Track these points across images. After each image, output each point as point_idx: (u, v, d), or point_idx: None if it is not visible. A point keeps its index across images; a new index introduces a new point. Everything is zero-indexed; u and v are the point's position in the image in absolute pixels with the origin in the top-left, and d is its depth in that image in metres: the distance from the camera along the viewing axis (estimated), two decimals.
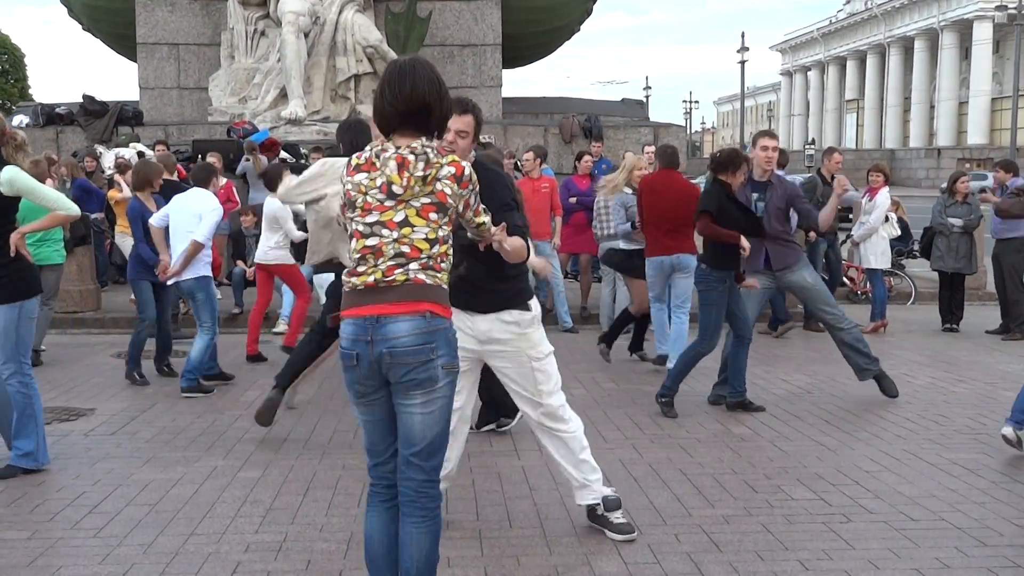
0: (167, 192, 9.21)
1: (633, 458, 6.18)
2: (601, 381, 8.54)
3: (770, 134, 7.89)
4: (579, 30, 22.74)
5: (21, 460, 5.79)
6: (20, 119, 17.88)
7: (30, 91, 51.46)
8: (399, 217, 3.43)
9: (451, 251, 3.55)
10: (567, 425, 4.82)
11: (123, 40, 20.45)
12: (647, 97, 76.31)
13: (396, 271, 3.42)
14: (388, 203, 3.44)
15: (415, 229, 3.43)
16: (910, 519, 5.04)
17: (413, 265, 3.43)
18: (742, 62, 62.26)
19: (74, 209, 5.84)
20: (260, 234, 12.03)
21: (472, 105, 4.35)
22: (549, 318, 11.32)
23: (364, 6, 18.14)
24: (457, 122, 4.17)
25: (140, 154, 15.22)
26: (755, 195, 7.59)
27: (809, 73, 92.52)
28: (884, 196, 11.19)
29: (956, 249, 11.38)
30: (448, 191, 3.46)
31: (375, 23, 18.17)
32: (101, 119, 17.16)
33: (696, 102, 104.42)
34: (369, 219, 3.46)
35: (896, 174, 52.88)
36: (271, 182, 9.03)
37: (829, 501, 5.32)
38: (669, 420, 7.16)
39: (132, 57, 19.93)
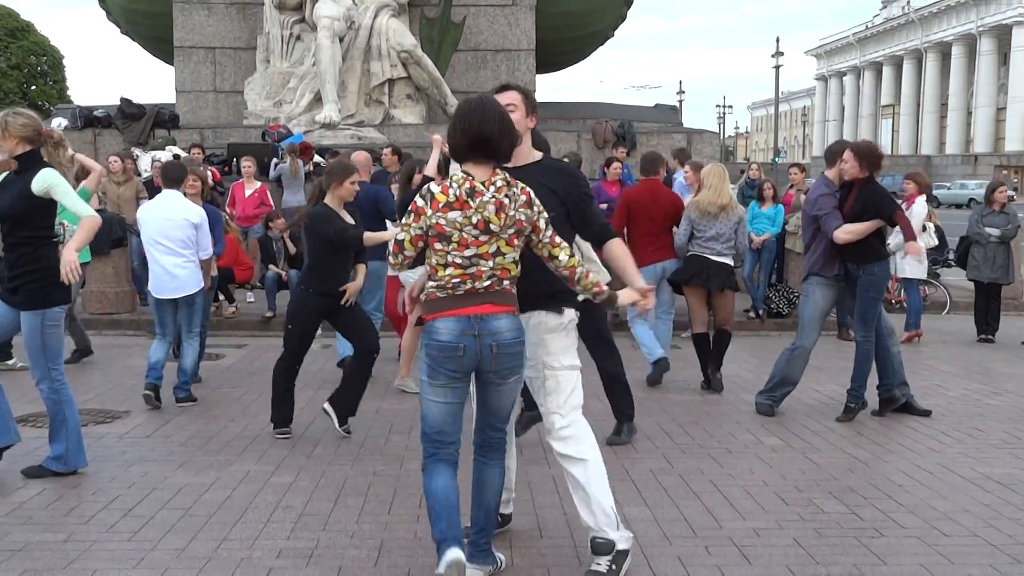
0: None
1: (664, 468, 6.17)
2: (632, 390, 8.50)
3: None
4: (613, 35, 22.75)
5: (51, 463, 5.87)
6: (59, 121, 18.10)
7: (68, 92, 52.04)
8: (492, 249, 4.00)
9: None
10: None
11: (160, 43, 20.66)
12: (680, 101, 76.14)
13: (495, 287, 4.04)
14: (483, 238, 3.98)
15: (505, 256, 4.03)
16: (943, 535, 5.01)
17: (506, 283, 4.07)
18: (777, 67, 61.99)
19: (97, 216, 5.80)
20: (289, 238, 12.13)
21: (510, 84, 4.65)
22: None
23: (399, 11, 18.24)
24: (502, 98, 4.40)
25: (176, 157, 15.39)
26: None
27: (844, 78, 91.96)
28: (920, 206, 11.11)
29: (993, 259, 11.28)
30: (523, 218, 4.03)
31: (409, 28, 18.26)
32: (138, 122, 17.36)
33: (730, 107, 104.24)
34: (467, 253, 3.99)
35: (932, 180, 52.41)
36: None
37: (861, 515, 5.29)
38: (700, 430, 7.14)
39: (169, 60, 20.13)
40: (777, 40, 64.59)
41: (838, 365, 9.55)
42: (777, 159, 66.39)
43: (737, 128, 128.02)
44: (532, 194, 4.09)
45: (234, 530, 5.00)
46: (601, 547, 4.36)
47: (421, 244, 4.05)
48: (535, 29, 19.33)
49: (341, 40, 17.38)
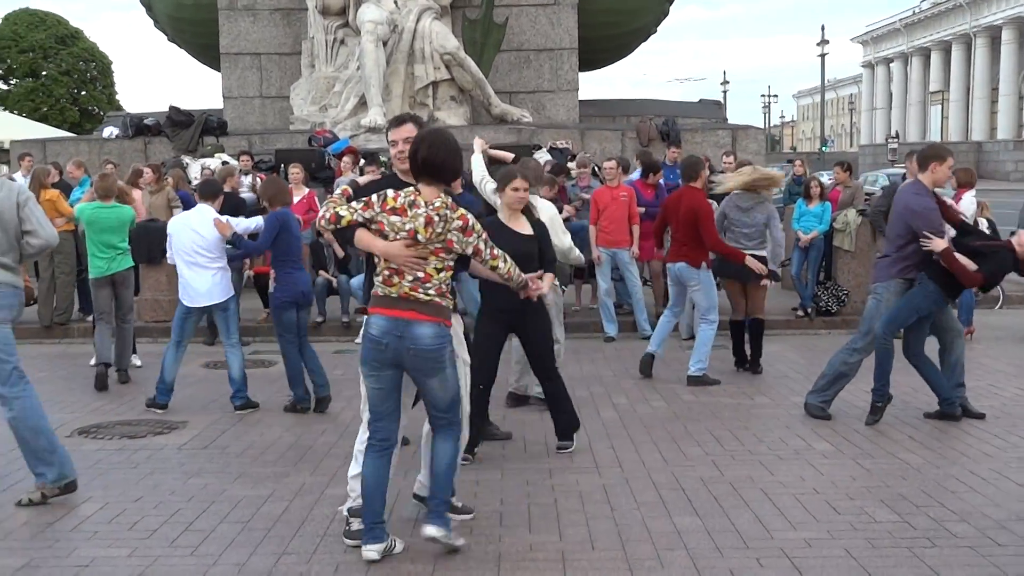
0: (229, 205, 9.46)
1: (714, 476, 6.19)
2: (681, 393, 8.55)
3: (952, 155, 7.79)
4: (656, 31, 22.67)
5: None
6: (110, 131, 18.43)
7: (117, 98, 52.72)
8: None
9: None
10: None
11: (207, 50, 20.94)
12: (724, 92, 75.62)
13: (418, 290, 4.72)
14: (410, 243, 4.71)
15: (428, 261, 4.72)
16: (997, 544, 4.99)
17: (431, 289, 4.74)
18: (822, 55, 61.40)
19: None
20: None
21: (411, 116, 5.42)
22: (626, 325, 11.36)
23: (441, 13, 18.33)
24: (399, 133, 5.22)
25: (224, 164, 15.59)
26: None
27: (892, 65, 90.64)
28: (968, 200, 11.00)
29: None
30: (454, 239, 4.75)
31: (452, 30, 18.33)
32: (187, 130, 17.59)
33: (775, 96, 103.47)
34: None
35: (983, 167, 51.64)
36: None
37: (913, 524, 5.28)
38: (750, 435, 7.15)
39: (215, 67, 20.39)
40: (822, 27, 64.22)
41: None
42: (824, 148, 65.77)
43: (783, 117, 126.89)
44: (471, 221, 4.80)
45: (292, 544, 5.10)
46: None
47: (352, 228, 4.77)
48: (577, 27, 19.33)
49: (385, 44, 17.49)
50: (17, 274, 5.91)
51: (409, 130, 5.17)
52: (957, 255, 7.14)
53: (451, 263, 4.82)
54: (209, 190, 8.51)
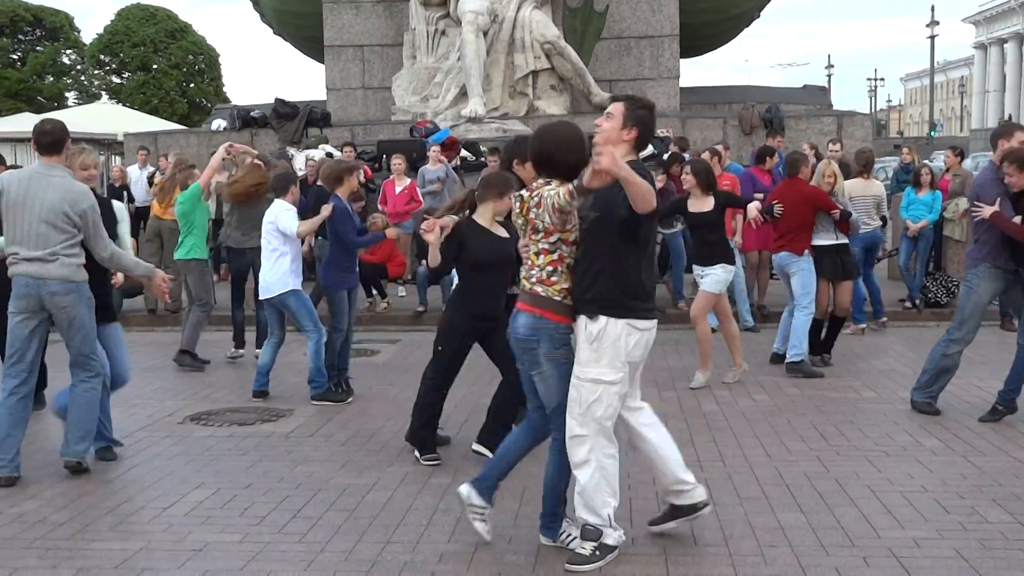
0: (315, 197, 9.60)
1: (819, 472, 6.11)
2: (784, 387, 8.44)
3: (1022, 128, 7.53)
4: (759, 16, 22.32)
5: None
6: (218, 123, 18.90)
7: (224, 90, 54.02)
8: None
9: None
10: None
11: (311, 43, 21.31)
12: (829, 76, 74.11)
13: (526, 280, 4.78)
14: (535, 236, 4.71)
15: (528, 246, 4.78)
16: None
17: (533, 277, 4.75)
18: (931, 36, 59.67)
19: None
20: None
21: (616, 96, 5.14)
22: None
23: (541, 2, 18.29)
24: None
25: (329, 155, 15.86)
26: None
27: (1006, 46, 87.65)
28: None
29: None
30: (534, 215, 4.65)
31: (552, 19, 18.30)
32: (291, 121, 17.91)
33: (881, 79, 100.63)
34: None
35: None
36: None
37: None
38: (856, 430, 7.03)
39: (319, 59, 20.73)
40: (932, 7, 61.91)
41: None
42: (932, 133, 63.91)
43: (889, 101, 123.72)
44: (543, 196, 4.59)
45: (397, 532, 5.20)
46: (588, 533, 4.74)
47: None
48: (679, 13, 19.13)
49: (485, 34, 17.56)
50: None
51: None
52: (1005, 216, 6.99)
53: (546, 246, 4.67)
54: (280, 184, 8.53)
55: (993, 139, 7.52)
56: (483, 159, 14.69)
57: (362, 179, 14.46)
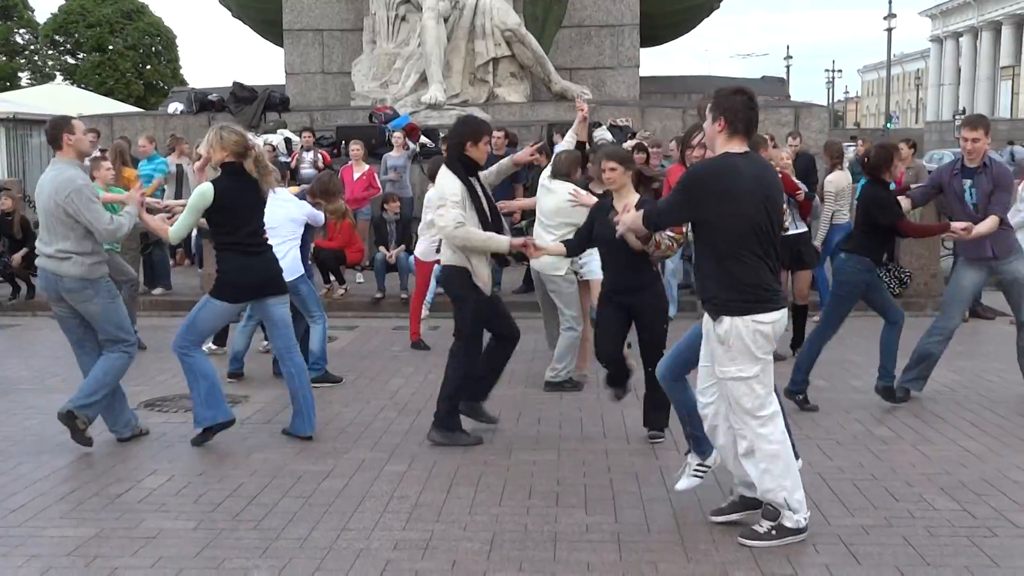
0: None
1: None
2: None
3: (970, 125, 7.56)
4: (719, 6, 22.43)
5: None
6: (175, 106, 18.70)
7: (181, 72, 53.37)
8: None
9: None
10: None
11: (270, 26, 21.15)
12: (788, 67, 74.66)
13: None
14: None
15: None
16: None
17: None
18: (889, 29, 60.27)
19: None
20: (400, 221, 12.40)
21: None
22: (686, 305, 11.33)
23: None
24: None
25: (287, 140, 15.78)
26: (967, 181, 7.45)
27: (961, 39, 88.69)
28: None
29: None
30: None
31: (513, 6, 18.29)
32: (250, 105, 17.77)
33: (839, 71, 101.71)
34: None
35: None
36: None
37: (974, 513, 5.23)
38: (809, 419, 7.11)
39: (278, 43, 20.58)
40: (889, 1, 62.51)
41: (953, 349, 9.33)
42: (888, 125, 64.60)
43: (847, 93, 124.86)
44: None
45: (352, 520, 5.20)
46: (769, 512, 4.84)
47: None
48: (639, 2, 19.18)
49: (446, 20, 17.52)
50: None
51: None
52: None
53: None
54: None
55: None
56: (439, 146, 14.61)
57: (321, 164, 14.44)
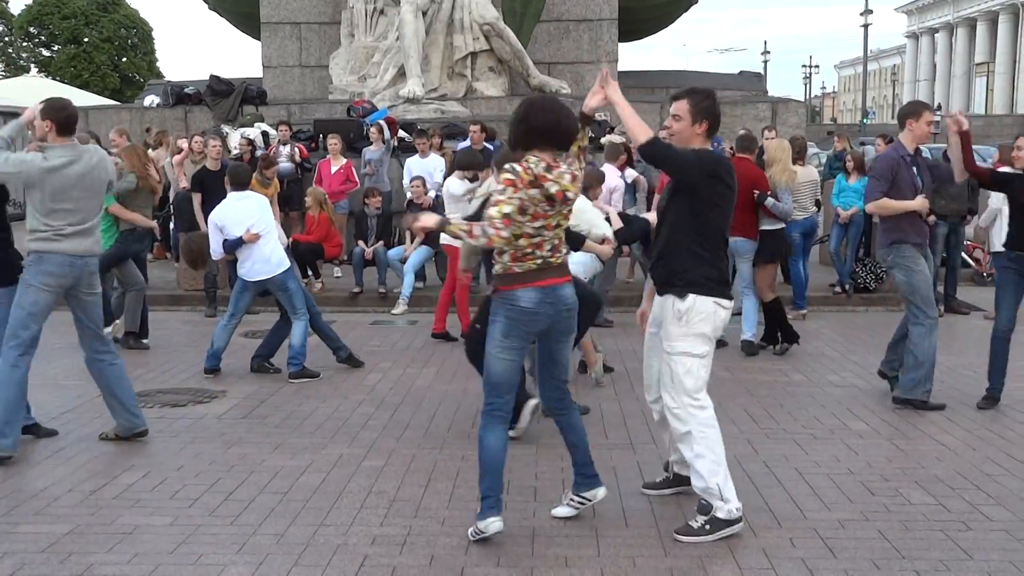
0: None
1: (748, 454, 6.21)
2: (716, 370, 8.43)
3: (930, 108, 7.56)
4: (697, 2, 22.49)
5: None
6: (151, 99, 18.58)
7: (158, 65, 53.07)
8: (554, 222, 4.68)
9: None
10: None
11: (247, 19, 21.04)
12: (765, 63, 74.77)
13: (555, 255, 4.74)
14: (550, 211, 4.62)
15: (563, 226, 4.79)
16: None
17: (562, 248, 4.82)
18: (865, 25, 60.41)
19: None
20: (382, 215, 12.38)
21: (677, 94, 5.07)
22: None
23: None
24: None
25: (264, 134, 15.69)
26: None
27: (936, 35, 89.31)
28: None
29: None
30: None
31: (492, 1, 18.25)
32: (227, 99, 17.63)
33: (816, 67, 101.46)
34: (537, 224, 4.62)
35: None
36: None
37: (948, 507, 5.27)
38: (785, 413, 7.16)
39: (255, 36, 20.47)
40: None
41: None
42: (865, 120, 64.91)
43: (824, 88, 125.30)
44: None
45: (330, 515, 5.18)
46: (702, 507, 4.88)
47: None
48: None
49: (424, 14, 17.46)
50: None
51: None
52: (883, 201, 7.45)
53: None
54: (239, 180, 8.66)
55: (901, 119, 7.40)
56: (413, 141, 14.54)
57: (298, 158, 14.38)
